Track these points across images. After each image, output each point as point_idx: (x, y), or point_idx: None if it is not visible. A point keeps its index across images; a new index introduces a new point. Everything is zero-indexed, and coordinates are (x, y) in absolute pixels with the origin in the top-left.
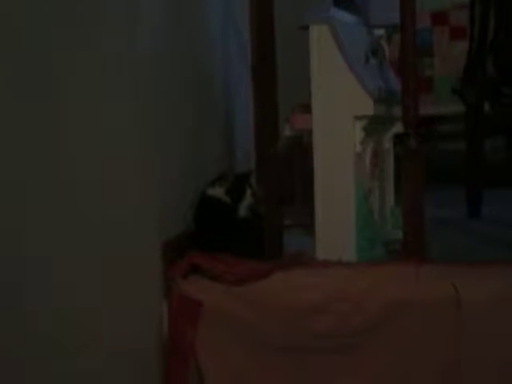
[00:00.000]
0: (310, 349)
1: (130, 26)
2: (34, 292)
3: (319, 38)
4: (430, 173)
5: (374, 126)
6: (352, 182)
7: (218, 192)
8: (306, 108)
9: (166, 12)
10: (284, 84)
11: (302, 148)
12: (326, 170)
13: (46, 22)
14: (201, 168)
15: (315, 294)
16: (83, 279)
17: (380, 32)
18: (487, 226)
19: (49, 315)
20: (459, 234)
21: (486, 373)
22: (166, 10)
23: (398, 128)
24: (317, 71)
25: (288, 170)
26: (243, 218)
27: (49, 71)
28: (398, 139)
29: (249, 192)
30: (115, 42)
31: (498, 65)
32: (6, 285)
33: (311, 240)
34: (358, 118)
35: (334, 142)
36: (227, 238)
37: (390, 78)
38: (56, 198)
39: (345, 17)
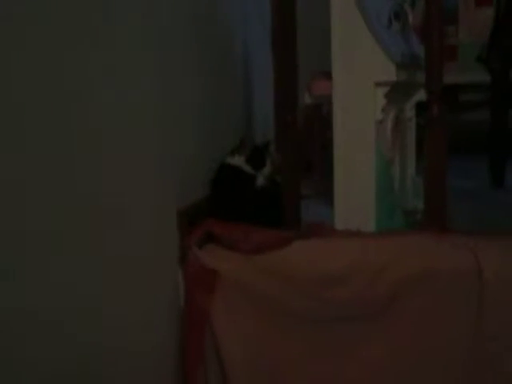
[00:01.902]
0: (330, 318)
1: None
2: (48, 268)
3: (341, 1)
4: (453, 142)
5: (395, 92)
6: (372, 151)
7: (238, 161)
8: (327, 75)
9: None
10: (304, 50)
11: (322, 116)
12: (346, 138)
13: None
14: (219, 136)
15: (335, 265)
16: (99, 250)
17: None
18: (510, 196)
19: (68, 286)
20: (481, 204)
21: (509, 343)
22: None
23: (421, 96)
24: (337, 35)
25: (307, 138)
26: (261, 187)
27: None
28: (421, 107)
29: (269, 161)
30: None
31: None
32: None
33: (330, 210)
34: (379, 84)
35: (354, 108)
36: (246, 207)
37: (414, 43)
38: (72, 172)
39: None
